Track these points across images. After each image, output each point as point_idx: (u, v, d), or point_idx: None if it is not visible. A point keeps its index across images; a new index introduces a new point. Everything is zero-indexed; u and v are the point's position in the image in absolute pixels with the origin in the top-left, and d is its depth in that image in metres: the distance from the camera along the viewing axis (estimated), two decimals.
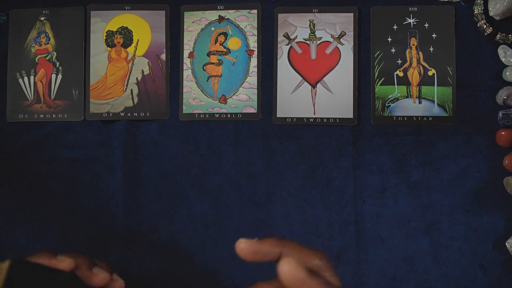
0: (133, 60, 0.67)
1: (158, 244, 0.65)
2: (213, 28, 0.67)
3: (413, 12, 0.65)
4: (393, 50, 0.65)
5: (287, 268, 0.37)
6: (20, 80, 0.67)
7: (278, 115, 0.65)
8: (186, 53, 0.67)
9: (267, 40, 0.66)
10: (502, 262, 0.62)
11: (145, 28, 0.67)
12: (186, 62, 0.67)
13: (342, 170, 0.64)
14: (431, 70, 0.64)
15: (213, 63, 0.66)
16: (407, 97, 0.64)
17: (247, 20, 0.66)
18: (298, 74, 0.65)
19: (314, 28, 0.66)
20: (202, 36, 0.67)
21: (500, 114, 0.63)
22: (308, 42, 0.66)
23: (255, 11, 0.66)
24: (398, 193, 0.64)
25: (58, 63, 0.67)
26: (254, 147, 0.65)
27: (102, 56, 0.67)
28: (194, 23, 0.67)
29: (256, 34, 0.66)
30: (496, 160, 0.63)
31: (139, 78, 0.67)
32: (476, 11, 0.63)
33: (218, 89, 0.66)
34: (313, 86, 0.65)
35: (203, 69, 0.66)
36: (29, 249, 0.65)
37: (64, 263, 0.44)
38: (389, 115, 0.64)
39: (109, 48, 0.67)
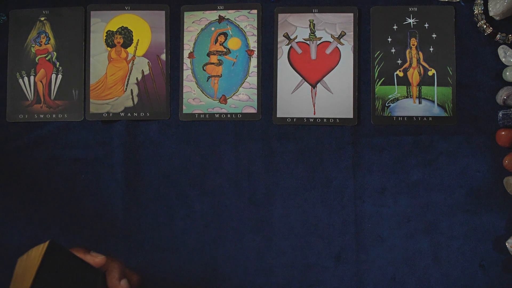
0: (133, 60, 0.67)
1: (158, 244, 0.65)
2: (213, 28, 0.67)
3: (413, 12, 0.65)
4: (393, 50, 0.65)
5: None
6: (20, 80, 0.67)
7: (278, 115, 0.65)
8: (186, 53, 0.67)
9: (267, 40, 0.66)
10: (502, 262, 0.62)
11: (145, 28, 0.67)
12: (186, 62, 0.67)
13: (342, 170, 0.64)
14: (431, 70, 0.64)
15: (213, 63, 0.66)
16: (407, 97, 0.64)
17: (247, 20, 0.66)
18: (298, 74, 0.65)
19: (314, 28, 0.66)
20: (202, 36, 0.67)
21: (500, 114, 0.63)
22: (308, 42, 0.66)
23: (255, 11, 0.66)
24: (398, 193, 0.64)
25: (58, 63, 0.67)
26: (254, 147, 0.65)
27: (102, 56, 0.67)
28: (194, 23, 0.67)
29: (256, 34, 0.66)
30: (496, 160, 0.63)
31: (139, 78, 0.67)
32: (476, 11, 0.63)
33: (218, 89, 0.66)
34: (313, 86, 0.65)
35: (203, 69, 0.66)
36: (29, 249, 0.65)
37: (95, 259, 0.46)
38: (389, 115, 0.64)
39: (109, 48, 0.67)
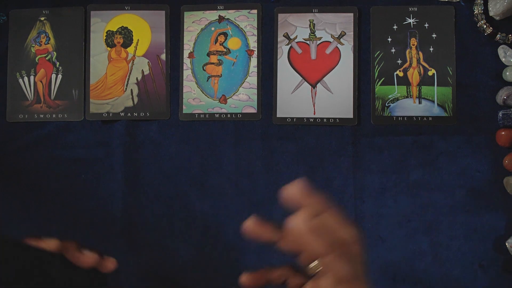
0: (133, 60, 0.67)
1: (158, 244, 0.65)
2: (213, 28, 0.67)
3: (413, 12, 0.65)
4: (393, 50, 0.65)
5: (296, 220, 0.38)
6: (20, 80, 0.67)
7: (278, 115, 0.65)
8: (186, 53, 0.67)
9: (267, 40, 0.66)
10: (502, 262, 0.62)
11: (145, 28, 0.67)
12: (186, 62, 0.67)
13: (342, 170, 0.64)
14: (431, 70, 0.64)
15: (213, 63, 0.66)
16: (407, 97, 0.64)
17: (247, 20, 0.66)
18: (298, 74, 0.65)
19: (314, 28, 0.66)
20: (202, 36, 0.67)
21: (500, 114, 0.63)
22: (308, 42, 0.66)
23: (255, 11, 0.66)
24: (398, 193, 0.64)
25: (58, 63, 0.67)
26: (254, 147, 0.65)
27: (102, 56, 0.67)
28: (194, 23, 0.67)
29: (256, 34, 0.66)
30: (496, 160, 0.63)
31: (139, 78, 0.67)
32: (476, 11, 0.63)
33: (218, 89, 0.66)
34: (313, 86, 0.65)
35: (203, 69, 0.66)
36: None
37: (49, 244, 0.45)
38: (389, 115, 0.64)
39: (109, 48, 0.67)
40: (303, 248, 0.39)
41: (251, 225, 0.44)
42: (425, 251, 0.63)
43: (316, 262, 0.47)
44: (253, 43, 0.66)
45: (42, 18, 0.67)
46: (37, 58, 0.67)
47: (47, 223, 0.65)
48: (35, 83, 0.67)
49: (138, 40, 0.67)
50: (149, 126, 0.66)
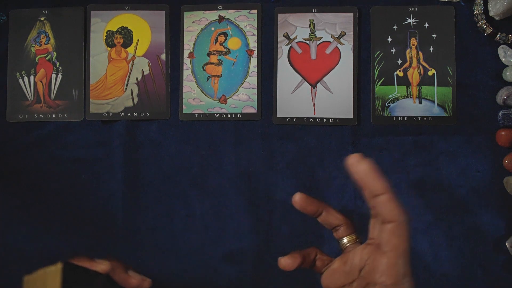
0: (133, 60, 0.67)
1: (158, 244, 0.65)
2: (213, 28, 0.67)
3: (413, 12, 0.65)
4: (393, 50, 0.65)
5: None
6: (20, 80, 0.67)
7: (278, 115, 0.65)
8: (186, 53, 0.67)
9: (267, 40, 0.66)
10: (502, 262, 0.62)
11: (145, 28, 0.67)
12: (186, 62, 0.67)
13: (342, 170, 0.64)
14: (431, 70, 0.64)
15: (213, 63, 0.66)
16: (407, 97, 0.64)
17: (247, 20, 0.66)
18: (298, 74, 0.65)
19: (314, 28, 0.66)
20: (202, 36, 0.67)
21: (500, 114, 0.63)
22: (308, 42, 0.66)
23: (255, 11, 0.66)
24: (398, 193, 0.63)
25: (58, 63, 0.67)
26: (254, 147, 0.65)
27: (102, 56, 0.67)
28: (194, 23, 0.67)
29: (256, 34, 0.66)
30: (496, 160, 0.63)
31: (139, 78, 0.67)
32: (476, 11, 0.63)
33: (218, 89, 0.66)
34: (313, 86, 0.65)
35: (203, 69, 0.66)
36: (29, 249, 0.65)
37: (101, 265, 0.46)
38: (389, 115, 0.64)
39: (109, 48, 0.67)
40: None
41: (299, 200, 0.49)
42: (425, 251, 0.63)
43: (349, 237, 0.51)
44: (253, 43, 0.66)
45: (42, 18, 0.67)
46: (37, 58, 0.67)
47: (47, 223, 0.65)
48: (35, 83, 0.67)
49: (138, 40, 0.67)
50: (149, 126, 0.66)
